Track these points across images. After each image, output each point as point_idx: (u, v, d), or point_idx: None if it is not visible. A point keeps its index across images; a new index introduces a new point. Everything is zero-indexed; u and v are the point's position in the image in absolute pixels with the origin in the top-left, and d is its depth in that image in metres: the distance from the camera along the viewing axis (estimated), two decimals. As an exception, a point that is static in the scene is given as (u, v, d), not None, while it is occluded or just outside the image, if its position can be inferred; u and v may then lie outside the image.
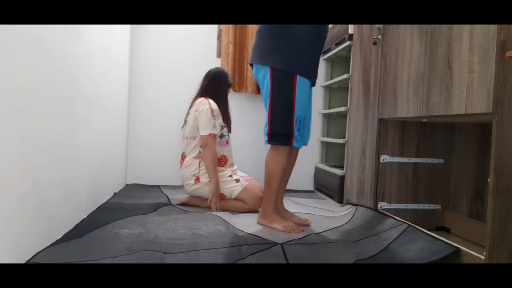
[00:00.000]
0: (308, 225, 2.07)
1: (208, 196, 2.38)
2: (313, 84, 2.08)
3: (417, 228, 1.72)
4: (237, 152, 3.31)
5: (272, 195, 2.01)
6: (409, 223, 1.79)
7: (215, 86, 2.55)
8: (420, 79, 1.72)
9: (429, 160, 2.12)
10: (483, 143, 1.93)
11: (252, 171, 2.93)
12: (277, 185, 2.01)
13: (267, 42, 1.99)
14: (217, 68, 2.67)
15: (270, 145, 2.04)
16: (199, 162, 2.44)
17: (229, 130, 2.62)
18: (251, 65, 2.13)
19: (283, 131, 1.96)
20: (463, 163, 2.06)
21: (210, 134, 2.39)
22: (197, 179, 2.42)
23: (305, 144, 2.10)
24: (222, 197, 2.40)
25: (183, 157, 2.51)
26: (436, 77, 1.61)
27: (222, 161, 2.51)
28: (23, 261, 1.34)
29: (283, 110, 1.96)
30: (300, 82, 1.98)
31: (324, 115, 3.25)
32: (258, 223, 2.07)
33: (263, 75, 2.01)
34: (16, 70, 1.24)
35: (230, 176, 2.45)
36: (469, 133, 2.03)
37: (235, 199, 2.40)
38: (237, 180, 2.43)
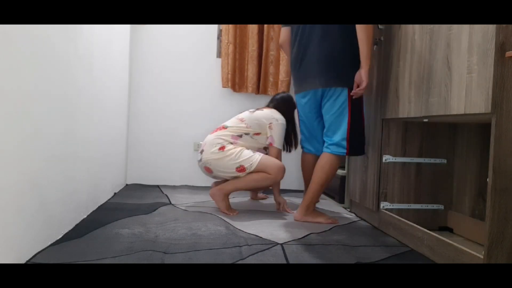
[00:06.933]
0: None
1: (222, 172, 2.35)
2: None
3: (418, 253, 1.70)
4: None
5: (318, 195, 2.20)
6: (411, 247, 1.77)
7: (288, 108, 2.61)
8: (421, 80, 1.72)
9: (432, 160, 2.12)
10: (486, 143, 1.92)
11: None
12: (326, 187, 2.23)
13: (339, 63, 2.08)
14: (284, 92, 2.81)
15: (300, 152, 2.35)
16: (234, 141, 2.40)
17: (288, 150, 2.72)
18: (302, 92, 2.27)
19: (361, 144, 2.18)
20: (465, 163, 2.06)
21: (280, 150, 2.49)
22: (222, 148, 2.33)
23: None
24: (242, 169, 2.30)
25: (223, 127, 2.45)
26: (435, 78, 1.61)
27: None
28: (23, 261, 1.34)
29: (361, 127, 2.17)
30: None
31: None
32: (298, 220, 2.19)
33: (336, 98, 2.12)
34: (16, 70, 1.25)
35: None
36: (471, 133, 2.03)
37: (257, 172, 2.30)
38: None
